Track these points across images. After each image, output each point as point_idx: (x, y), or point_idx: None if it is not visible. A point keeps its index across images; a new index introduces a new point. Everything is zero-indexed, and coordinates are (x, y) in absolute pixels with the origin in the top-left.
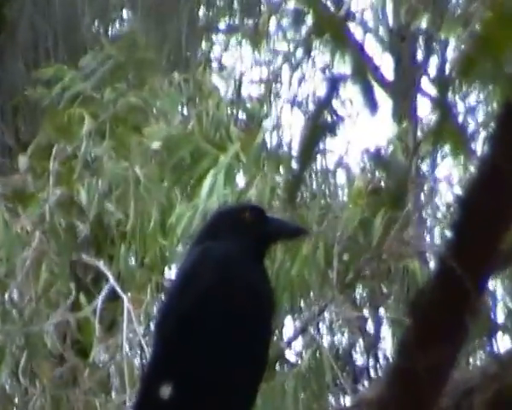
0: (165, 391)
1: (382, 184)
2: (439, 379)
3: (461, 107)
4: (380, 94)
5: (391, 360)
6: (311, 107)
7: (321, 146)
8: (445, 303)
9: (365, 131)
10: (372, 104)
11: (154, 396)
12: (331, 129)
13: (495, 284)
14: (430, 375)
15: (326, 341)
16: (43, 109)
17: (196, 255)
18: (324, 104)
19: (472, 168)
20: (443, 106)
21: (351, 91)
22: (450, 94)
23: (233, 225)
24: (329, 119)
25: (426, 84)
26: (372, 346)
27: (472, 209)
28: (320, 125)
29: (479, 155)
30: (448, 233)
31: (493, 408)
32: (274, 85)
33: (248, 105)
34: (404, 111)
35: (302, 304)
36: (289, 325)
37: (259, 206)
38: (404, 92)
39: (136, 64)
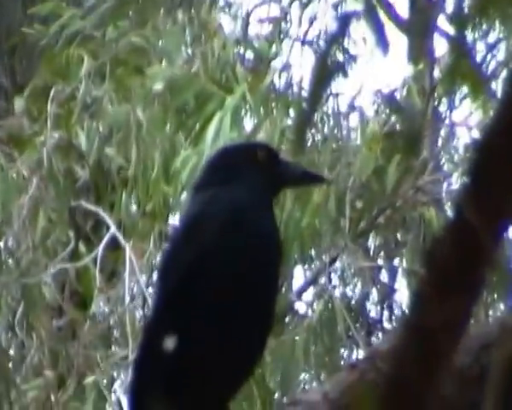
0: (169, 343)
1: (397, 127)
2: (455, 333)
3: (480, 46)
4: (394, 33)
5: (405, 311)
6: (322, 46)
7: (332, 87)
8: (461, 254)
9: (379, 71)
10: (383, 43)
11: (158, 349)
12: (342, 68)
13: None
14: (445, 328)
15: (338, 292)
16: (40, 49)
17: (203, 202)
18: (334, 42)
19: (491, 110)
20: (460, 45)
21: (363, 30)
22: (467, 32)
23: (243, 166)
24: (341, 58)
25: (443, 22)
26: (386, 297)
27: (490, 153)
28: (330, 64)
29: (498, 96)
30: (465, 179)
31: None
32: (283, 24)
33: (256, 44)
34: (420, 51)
35: (313, 254)
36: (299, 276)
37: (271, 146)
38: (419, 31)
39: (138, 1)
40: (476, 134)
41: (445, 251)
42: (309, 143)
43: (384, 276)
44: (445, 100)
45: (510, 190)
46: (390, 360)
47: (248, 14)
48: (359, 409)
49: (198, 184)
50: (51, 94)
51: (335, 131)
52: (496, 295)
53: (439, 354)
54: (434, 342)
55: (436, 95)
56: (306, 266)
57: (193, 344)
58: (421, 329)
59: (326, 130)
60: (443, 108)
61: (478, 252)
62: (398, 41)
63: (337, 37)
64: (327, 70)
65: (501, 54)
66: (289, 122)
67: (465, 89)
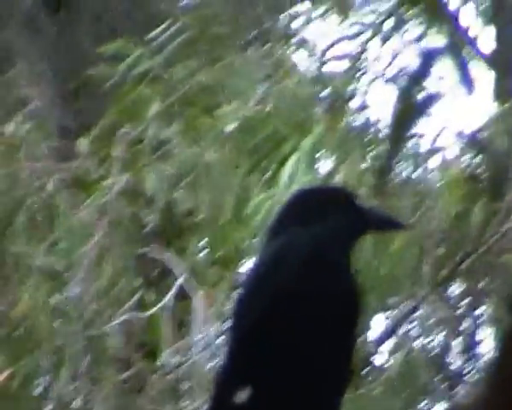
0: (242, 396)
1: (480, 170)
2: None
3: None
4: (479, 69)
5: (489, 363)
6: (402, 83)
7: (413, 127)
8: None
9: (462, 110)
10: (468, 81)
11: (230, 402)
12: (425, 108)
13: None
14: None
15: (418, 343)
16: (106, 90)
17: (278, 245)
18: (417, 80)
19: None
20: None
21: (445, 67)
22: None
23: (323, 209)
24: (422, 96)
25: None
26: (470, 348)
27: None
28: (413, 104)
29: None
30: None
31: None
32: (361, 61)
33: (333, 83)
34: (507, 87)
35: (391, 303)
36: (377, 327)
37: (349, 190)
38: (506, 65)
39: (209, 39)
40: None
41: None
42: (388, 187)
43: (467, 326)
44: None
45: None
46: None
47: (325, 51)
48: None
49: (273, 228)
50: (117, 136)
51: (416, 173)
52: None
53: None
54: None
55: None
56: (384, 317)
57: (266, 397)
58: (506, 383)
59: (406, 172)
60: None
61: None
62: (484, 77)
63: (420, 75)
64: (409, 110)
65: None
66: (367, 164)
67: None
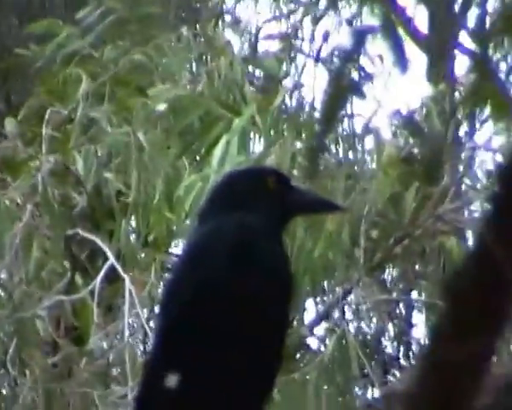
0: (172, 381)
1: (416, 151)
2: (476, 373)
3: (503, 66)
4: (413, 50)
5: (424, 348)
6: (336, 64)
7: (347, 108)
8: (483, 287)
9: (397, 91)
10: (402, 61)
11: (160, 387)
12: (358, 88)
13: None
14: (466, 368)
15: (352, 327)
16: (35, 70)
17: (208, 231)
18: (349, 59)
19: None
20: (483, 63)
21: (380, 47)
22: (490, 50)
23: (251, 193)
24: (356, 77)
25: (464, 39)
26: (403, 333)
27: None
28: (345, 84)
29: None
30: (488, 207)
31: None
32: (294, 41)
33: (265, 63)
34: (440, 70)
35: (325, 287)
36: (311, 310)
37: (282, 171)
38: (439, 48)
39: (140, 19)
40: (499, 159)
41: (466, 285)
42: (321, 168)
43: (401, 310)
44: (465, 123)
45: None
46: (407, 401)
47: (257, 31)
48: None
49: (203, 212)
50: (46, 116)
51: (350, 155)
52: None
53: (459, 395)
54: (455, 381)
55: (457, 117)
56: (319, 300)
57: (196, 382)
58: (441, 368)
59: (340, 153)
60: (464, 131)
61: (501, 286)
62: (418, 59)
63: (352, 54)
64: (341, 90)
65: None
66: (300, 145)
67: (487, 111)
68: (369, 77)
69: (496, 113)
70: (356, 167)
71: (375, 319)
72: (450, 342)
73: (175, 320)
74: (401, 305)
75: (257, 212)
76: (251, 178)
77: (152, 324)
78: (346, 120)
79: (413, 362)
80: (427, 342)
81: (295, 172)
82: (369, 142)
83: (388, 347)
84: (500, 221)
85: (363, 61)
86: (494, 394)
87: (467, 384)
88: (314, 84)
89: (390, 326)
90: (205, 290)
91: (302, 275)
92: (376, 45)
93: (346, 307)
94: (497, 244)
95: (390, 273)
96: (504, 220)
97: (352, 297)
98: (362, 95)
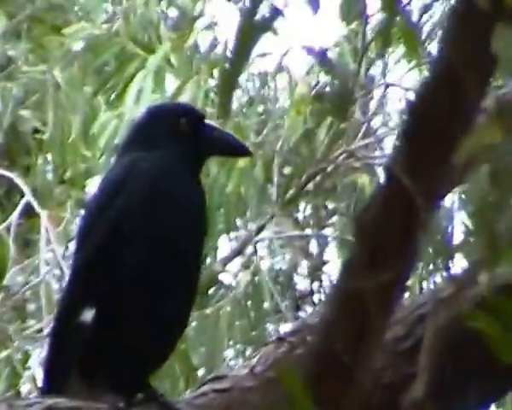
0: (87, 316)
1: (328, 89)
2: (387, 302)
3: (415, 5)
4: None
5: (335, 281)
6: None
7: (259, 46)
8: (393, 219)
9: (310, 30)
10: (314, 1)
11: (74, 322)
12: (269, 25)
13: (452, 202)
14: (377, 298)
15: (265, 263)
16: None
17: (123, 167)
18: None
19: (425, 71)
20: (392, 2)
21: None
22: None
23: (166, 132)
24: (267, 14)
25: None
26: (316, 269)
27: (423, 114)
28: (257, 22)
29: (432, 57)
30: (397, 142)
31: (445, 336)
32: None
33: (180, 2)
34: (353, 9)
35: (238, 223)
36: (224, 246)
37: (197, 110)
38: None
39: None
40: (410, 96)
41: (376, 216)
42: (234, 106)
43: (314, 246)
44: (378, 62)
45: (443, 152)
46: (318, 331)
47: None
48: (286, 383)
49: (121, 148)
50: None
51: (262, 92)
52: (432, 267)
53: (369, 325)
54: (365, 311)
55: (370, 56)
56: (232, 236)
57: (111, 316)
58: (352, 299)
59: (252, 91)
60: (377, 70)
61: (410, 217)
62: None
63: None
64: (253, 28)
65: (436, 15)
66: (214, 83)
67: (400, 51)
68: (279, 12)
69: (407, 50)
70: (268, 105)
71: (288, 256)
72: (361, 272)
73: (89, 255)
74: (314, 241)
75: (167, 153)
76: (164, 120)
77: (67, 260)
78: (258, 58)
79: (324, 297)
80: (338, 275)
81: (209, 109)
82: (282, 80)
83: (301, 283)
84: (408, 152)
85: None
86: (406, 325)
87: (378, 314)
88: (227, 23)
89: (303, 263)
90: (119, 226)
91: (216, 211)
92: None
93: (259, 244)
94: (405, 174)
95: (303, 210)
96: (412, 153)
97: (265, 233)
98: (273, 31)
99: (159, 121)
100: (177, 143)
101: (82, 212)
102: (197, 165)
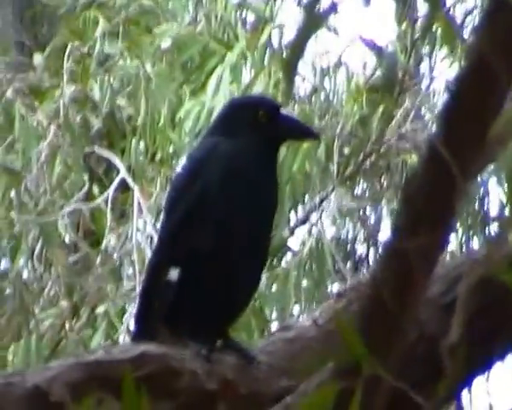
0: (172, 275)
1: (381, 81)
2: (429, 262)
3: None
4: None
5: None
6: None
7: (322, 44)
8: (433, 188)
9: (366, 30)
10: None
11: (161, 280)
12: (325, 17)
13: (488, 177)
14: (420, 258)
15: (327, 231)
16: (59, 16)
17: (205, 148)
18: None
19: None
20: (436, 3)
21: None
22: None
23: (246, 122)
24: (322, 8)
25: None
26: (372, 236)
27: (461, 97)
28: (314, 15)
29: (468, 45)
30: (439, 120)
31: (477, 294)
32: None
33: (254, 6)
34: (404, 13)
35: (306, 199)
36: (292, 217)
37: (274, 101)
38: None
39: None
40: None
41: (420, 186)
42: (301, 94)
43: (370, 218)
44: (426, 59)
45: (479, 130)
46: (369, 285)
47: None
48: (343, 332)
49: (205, 134)
50: (68, 50)
51: (324, 83)
52: (471, 233)
53: (413, 279)
54: (409, 269)
55: (419, 54)
56: (298, 208)
57: (194, 276)
58: (398, 258)
59: (316, 83)
60: (425, 66)
61: (448, 187)
62: (387, 7)
63: None
64: (311, 20)
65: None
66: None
67: (444, 51)
68: (335, 8)
69: (445, 38)
70: (330, 94)
71: (348, 225)
72: (406, 233)
73: (176, 223)
74: (370, 213)
75: (245, 139)
76: (244, 110)
77: (156, 228)
78: (320, 55)
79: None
80: (387, 238)
81: (278, 97)
82: (341, 72)
83: (359, 249)
84: (448, 130)
85: None
86: (446, 282)
87: (420, 271)
88: (296, 24)
89: (361, 231)
90: (200, 199)
91: (285, 185)
92: None
93: (322, 214)
94: (445, 148)
95: (360, 185)
96: (451, 131)
97: (328, 206)
98: (334, 31)
99: (240, 111)
100: (256, 131)
101: (169, 186)
102: (273, 150)
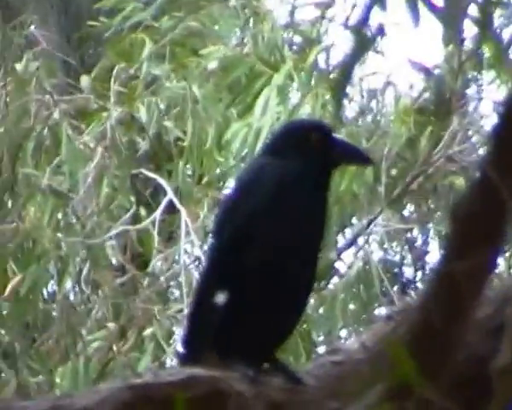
0: (220, 298)
1: (428, 102)
2: (478, 285)
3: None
4: (429, 18)
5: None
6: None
7: (369, 66)
8: (483, 211)
9: (413, 52)
10: (415, 15)
11: (209, 303)
12: (373, 40)
13: None
14: (469, 280)
15: (375, 254)
16: (106, 38)
17: (254, 170)
18: (365, 17)
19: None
20: (484, 27)
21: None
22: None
23: (298, 145)
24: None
25: (473, 10)
26: (419, 259)
27: (510, 118)
28: (363, 38)
29: None
30: (486, 151)
31: None
32: (328, 9)
33: (302, 28)
34: (452, 36)
35: (353, 220)
36: (340, 239)
37: (326, 125)
38: (452, 18)
39: None
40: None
41: (470, 208)
42: (349, 116)
43: (418, 240)
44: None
45: None
46: (418, 307)
47: None
48: (394, 354)
49: (257, 156)
50: (114, 72)
51: (371, 105)
52: None
53: (462, 301)
54: (459, 293)
55: (466, 77)
56: (346, 230)
57: (242, 298)
58: (447, 281)
59: (363, 104)
60: (472, 89)
61: (499, 207)
62: (432, 26)
63: (367, 14)
64: (359, 42)
65: None
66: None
67: (491, 74)
68: (381, 30)
69: (494, 59)
70: (377, 116)
71: (395, 247)
72: (455, 259)
73: (224, 245)
74: (418, 235)
75: (299, 160)
76: (297, 131)
77: (204, 250)
78: (367, 77)
79: (426, 284)
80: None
81: (326, 119)
82: (388, 94)
83: (407, 271)
84: (499, 152)
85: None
86: (494, 304)
87: (469, 291)
88: (343, 46)
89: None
90: (248, 222)
91: (332, 207)
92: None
93: (369, 236)
94: (495, 171)
95: (408, 209)
96: (501, 154)
97: (375, 228)
98: (381, 53)
99: (292, 134)
100: (308, 154)
101: (218, 209)
102: (325, 174)
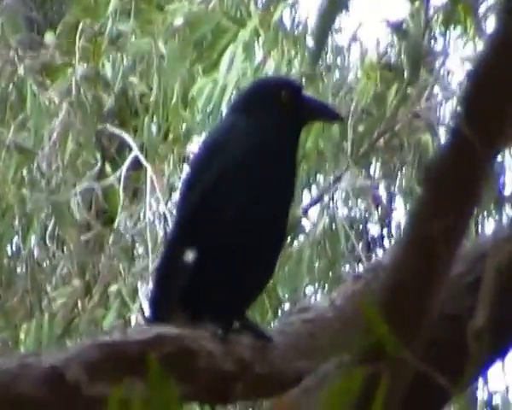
0: (189, 256)
1: (395, 59)
2: (452, 244)
3: None
4: None
5: (404, 228)
6: None
7: (336, 23)
8: (457, 170)
9: (378, 11)
10: None
11: (178, 261)
12: (345, 4)
13: (503, 156)
14: (442, 240)
15: (341, 211)
16: None
17: (225, 128)
18: None
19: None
20: None
21: None
22: None
23: (268, 103)
24: None
25: None
26: (386, 216)
27: (483, 78)
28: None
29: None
30: (458, 108)
31: (506, 270)
32: None
33: None
34: None
35: (319, 176)
36: (306, 195)
37: (296, 83)
38: None
39: None
40: (468, 66)
41: (443, 167)
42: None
43: (384, 198)
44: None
45: (502, 111)
46: (391, 269)
47: None
48: (366, 313)
49: (226, 114)
50: (80, 28)
51: (338, 61)
52: (485, 213)
53: (437, 264)
54: (432, 252)
55: (432, 33)
56: (312, 186)
57: (210, 257)
58: (420, 241)
59: (329, 61)
60: (438, 45)
61: (473, 167)
62: None
63: None
64: (332, 8)
65: None
66: (294, 54)
67: (457, 31)
68: None
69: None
70: (343, 72)
71: (360, 204)
72: (429, 219)
73: (194, 203)
74: (383, 192)
75: (269, 118)
76: (268, 91)
77: (169, 207)
78: (334, 33)
79: (394, 242)
80: (406, 222)
81: (292, 75)
82: (355, 50)
83: (373, 229)
84: (474, 110)
85: None
86: (467, 262)
87: (443, 255)
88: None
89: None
90: (219, 179)
91: (298, 163)
92: None
93: (335, 193)
94: (469, 128)
95: (374, 165)
96: (475, 113)
97: (340, 184)
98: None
99: (262, 91)
100: (278, 112)
101: (184, 166)
102: (295, 131)
